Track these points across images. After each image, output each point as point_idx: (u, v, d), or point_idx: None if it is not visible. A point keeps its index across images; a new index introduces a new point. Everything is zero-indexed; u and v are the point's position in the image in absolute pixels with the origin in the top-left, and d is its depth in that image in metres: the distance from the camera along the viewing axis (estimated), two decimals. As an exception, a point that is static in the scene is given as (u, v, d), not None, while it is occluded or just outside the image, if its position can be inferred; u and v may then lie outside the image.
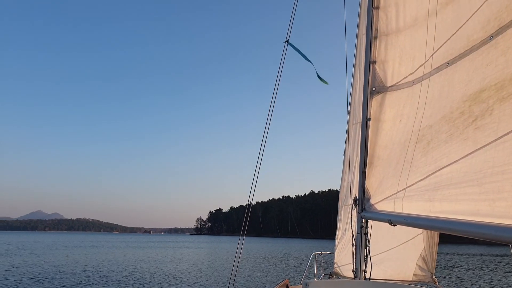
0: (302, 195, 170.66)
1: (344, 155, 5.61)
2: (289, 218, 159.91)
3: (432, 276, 5.15)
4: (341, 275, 6.08)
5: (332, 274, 6.23)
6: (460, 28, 2.56)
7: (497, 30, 2.19)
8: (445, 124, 2.61)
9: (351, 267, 5.43)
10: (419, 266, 5.17)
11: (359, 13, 4.53)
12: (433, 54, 2.89)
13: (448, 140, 2.55)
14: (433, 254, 5.14)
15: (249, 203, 4.44)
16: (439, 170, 2.62)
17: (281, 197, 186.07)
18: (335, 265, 6.18)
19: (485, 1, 2.31)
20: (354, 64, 5.09)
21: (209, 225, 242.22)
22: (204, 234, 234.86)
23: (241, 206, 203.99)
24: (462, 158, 2.37)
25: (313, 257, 7.16)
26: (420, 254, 5.15)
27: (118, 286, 17.49)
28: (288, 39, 3.89)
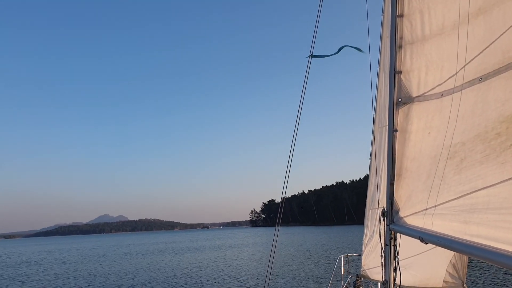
0: (357, 179, 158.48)
1: (370, 158, 5.50)
2: (345, 204, 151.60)
3: (463, 285, 5.00)
4: (368, 278, 6.03)
5: (360, 277, 6.18)
6: (494, 42, 2.42)
7: None
8: (479, 144, 2.49)
9: (378, 270, 5.36)
10: (449, 273, 5.03)
11: (382, 20, 4.37)
12: (464, 66, 2.75)
13: (483, 161, 2.44)
14: (463, 262, 4.98)
15: (283, 198, 4.54)
16: (474, 191, 2.52)
17: (334, 184, 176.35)
18: (362, 268, 6.12)
19: None
20: (379, 69, 4.95)
21: (263, 216, 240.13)
22: (259, 226, 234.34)
23: (293, 196, 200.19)
24: (501, 182, 2.26)
25: (340, 260, 7.14)
26: (450, 261, 5.00)
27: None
28: (312, 53, 3.80)
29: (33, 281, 22.34)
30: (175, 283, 18.40)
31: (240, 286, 16.85)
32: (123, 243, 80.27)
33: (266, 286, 4.20)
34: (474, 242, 2.34)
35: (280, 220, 4.66)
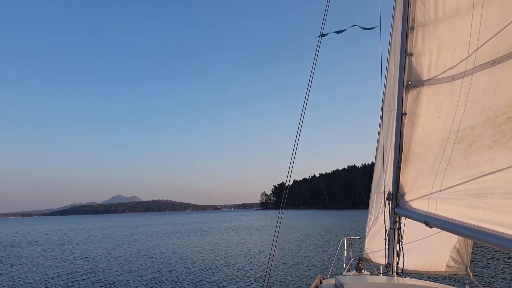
0: (369, 163, 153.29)
1: (378, 142, 5.47)
2: (356, 188, 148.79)
3: (466, 270, 5.01)
4: (371, 261, 6.08)
5: (362, 260, 6.23)
6: (508, 24, 2.36)
7: None
8: (489, 128, 2.46)
9: (381, 253, 5.39)
10: (453, 258, 5.04)
11: (395, 1, 4.28)
12: (477, 50, 2.70)
13: (493, 145, 2.41)
14: (468, 247, 4.98)
15: (287, 184, 4.56)
16: (482, 176, 2.50)
17: (346, 167, 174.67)
18: (365, 251, 6.16)
19: None
20: (389, 52, 4.87)
21: (274, 199, 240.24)
22: (270, 208, 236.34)
23: (304, 179, 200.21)
24: (509, 167, 2.25)
25: (343, 242, 7.21)
26: (454, 246, 5.00)
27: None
28: (322, 33, 3.75)
29: (18, 263, 21.45)
30: (170, 270, 17.43)
31: (239, 271, 16.94)
32: (133, 224, 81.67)
33: (268, 269, 4.27)
34: (479, 227, 2.34)
35: (284, 205, 4.70)
